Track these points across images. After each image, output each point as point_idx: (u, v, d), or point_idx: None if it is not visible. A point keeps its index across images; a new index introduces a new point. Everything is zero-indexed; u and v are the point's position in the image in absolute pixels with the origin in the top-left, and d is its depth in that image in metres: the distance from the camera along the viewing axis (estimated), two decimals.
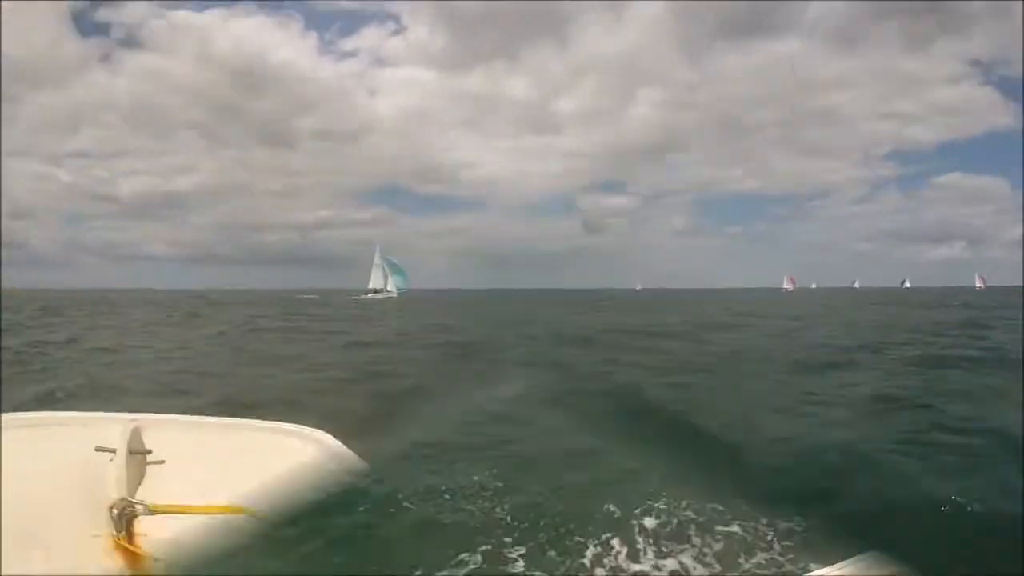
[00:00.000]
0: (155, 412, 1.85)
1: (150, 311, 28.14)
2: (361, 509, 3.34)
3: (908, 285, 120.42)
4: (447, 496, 3.75)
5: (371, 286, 65.02)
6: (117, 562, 1.40)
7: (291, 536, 1.75)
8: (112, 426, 1.71)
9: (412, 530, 3.31)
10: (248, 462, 1.75)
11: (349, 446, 1.71)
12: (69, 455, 1.64)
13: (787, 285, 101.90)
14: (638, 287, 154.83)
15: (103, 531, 1.47)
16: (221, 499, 1.57)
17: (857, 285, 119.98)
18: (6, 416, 1.70)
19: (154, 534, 1.51)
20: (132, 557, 1.40)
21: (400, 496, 3.65)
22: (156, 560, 1.39)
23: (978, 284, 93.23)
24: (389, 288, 63.57)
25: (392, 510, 3.50)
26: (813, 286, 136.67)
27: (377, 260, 66.05)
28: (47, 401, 6.29)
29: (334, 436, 1.77)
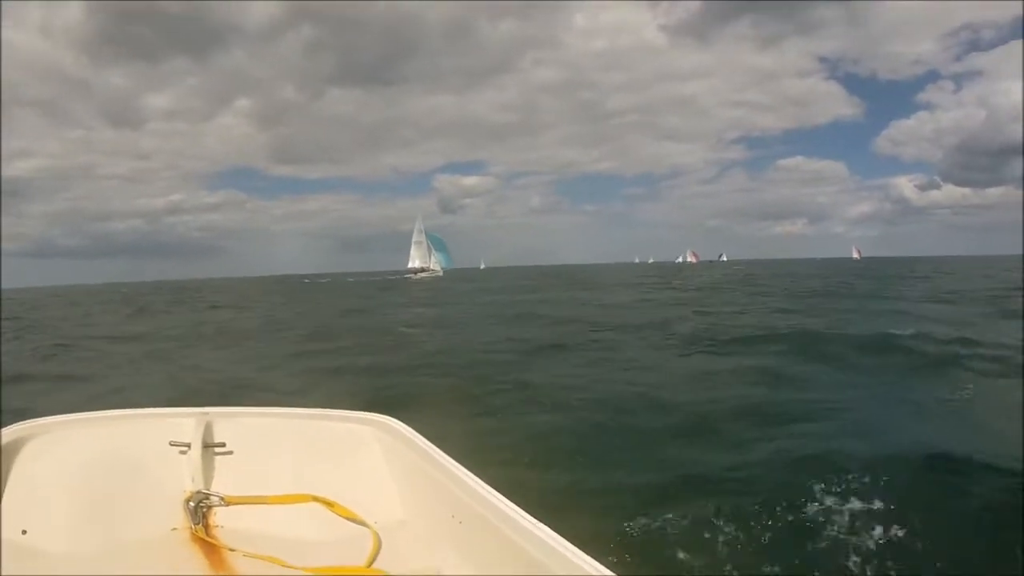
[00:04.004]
0: (227, 406, 1.88)
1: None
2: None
3: (724, 258, 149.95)
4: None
5: (413, 264, 63.75)
6: (196, 553, 1.43)
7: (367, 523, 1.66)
8: (185, 420, 1.75)
9: None
10: (320, 451, 1.77)
11: (423, 434, 1.70)
12: (144, 450, 1.68)
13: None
14: (482, 265, 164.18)
15: (180, 524, 1.53)
16: (294, 489, 1.61)
17: (680, 260, 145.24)
18: (83, 415, 1.76)
19: (229, 525, 1.55)
20: (210, 548, 1.44)
21: None
22: (233, 551, 1.41)
23: (855, 255, 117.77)
24: (433, 266, 63.20)
25: None
26: (650, 260, 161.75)
27: (417, 236, 64.44)
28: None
29: (407, 424, 1.78)
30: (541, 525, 1.17)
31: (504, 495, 1.30)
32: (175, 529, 1.53)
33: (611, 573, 1.02)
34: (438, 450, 1.59)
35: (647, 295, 25.36)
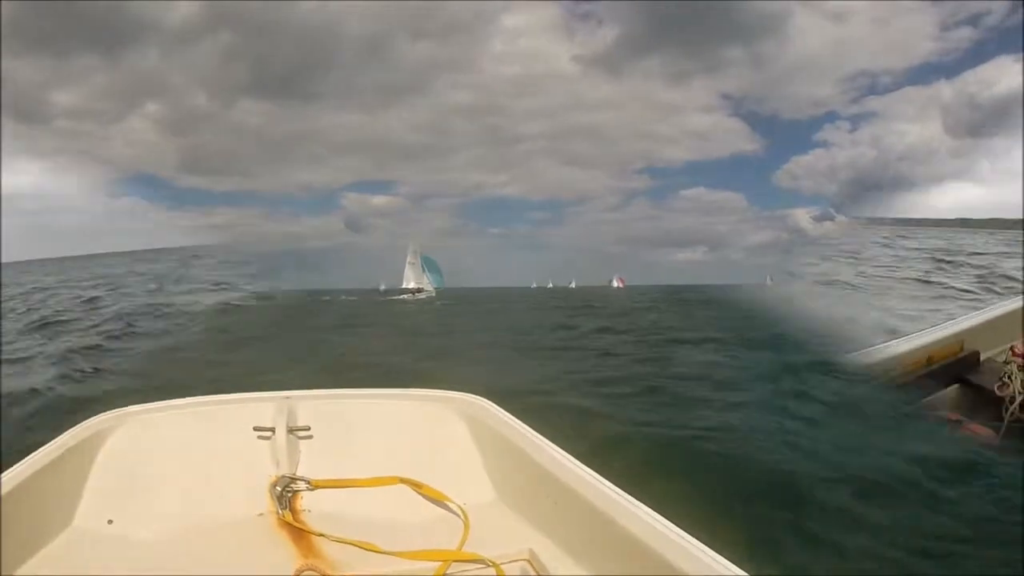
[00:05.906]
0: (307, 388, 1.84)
1: None
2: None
3: (574, 285, 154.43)
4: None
5: (408, 285, 61.49)
6: (284, 539, 1.40)
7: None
8: (266, 405, 1.72)
9: None
10: (404, 432, 1.72)
11: (513, 413, 1.62)
12: (228, 436, 1.67)
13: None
14: (382, 287, 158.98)
15: (266, 509, 1.51)
16: (379, 470, 1.58)
17: (573, 285, 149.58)
18: (167, 402, 1.76)
19: (316, 509, 1.52)
20: (298, 534, 1.41)
21: None
22: (321, 535, 1.38)
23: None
24: (427, 287, 61.40)
25: None
26: (549, 285, 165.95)
27: (411, 258, 62.41)
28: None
29: (495, 403, 1.70)
30: (643, 506, 1.12)
31: (603, 475, 1.25)
32: (261, 515, 1.52)
33: (740, 572, 0.94)
34: (528, 428, 1.56)
35: None
